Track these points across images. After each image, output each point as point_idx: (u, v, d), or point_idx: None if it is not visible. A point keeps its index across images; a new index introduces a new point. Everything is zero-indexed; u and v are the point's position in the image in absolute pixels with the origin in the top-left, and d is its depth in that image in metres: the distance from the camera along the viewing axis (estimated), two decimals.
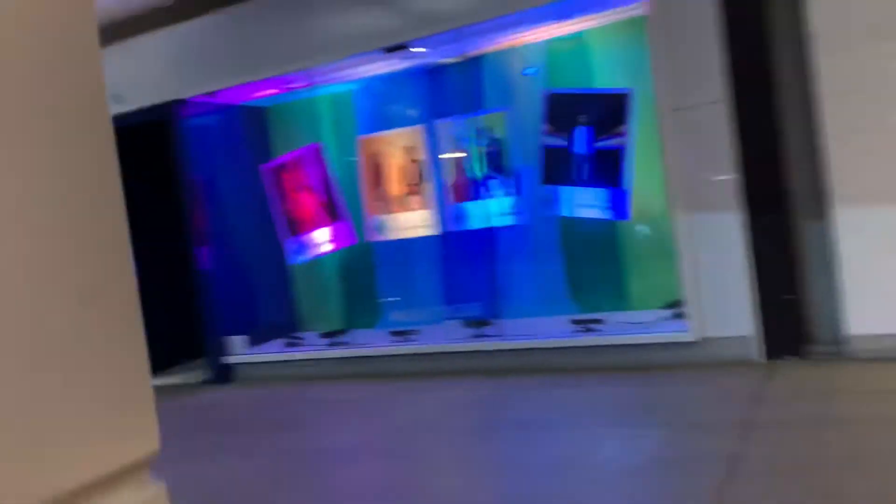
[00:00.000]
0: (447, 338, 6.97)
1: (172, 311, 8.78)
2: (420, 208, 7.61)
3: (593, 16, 6.67)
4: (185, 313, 8.34)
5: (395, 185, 7.70)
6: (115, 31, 8.09)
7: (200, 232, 7.91)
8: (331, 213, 7.83)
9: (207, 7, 7.54)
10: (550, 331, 6.56)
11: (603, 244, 7.07)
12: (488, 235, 7.25)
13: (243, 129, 8.60)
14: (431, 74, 7.75)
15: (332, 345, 7.55)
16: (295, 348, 7.85)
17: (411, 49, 6.98)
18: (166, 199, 8.18)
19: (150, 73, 7.97)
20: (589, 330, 6.36)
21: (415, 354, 6.98)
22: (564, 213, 6.85)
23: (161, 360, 8.98)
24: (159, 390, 7.56)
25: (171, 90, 7.79)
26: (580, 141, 6.66)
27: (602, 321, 6.40)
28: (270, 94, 8.24)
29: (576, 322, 6.48)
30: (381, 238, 7.92)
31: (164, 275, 8.80)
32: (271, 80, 7.58)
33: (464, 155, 7.45)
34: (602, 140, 6.58)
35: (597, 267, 7.12)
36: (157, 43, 7.90)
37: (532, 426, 4.92)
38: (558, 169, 6.73)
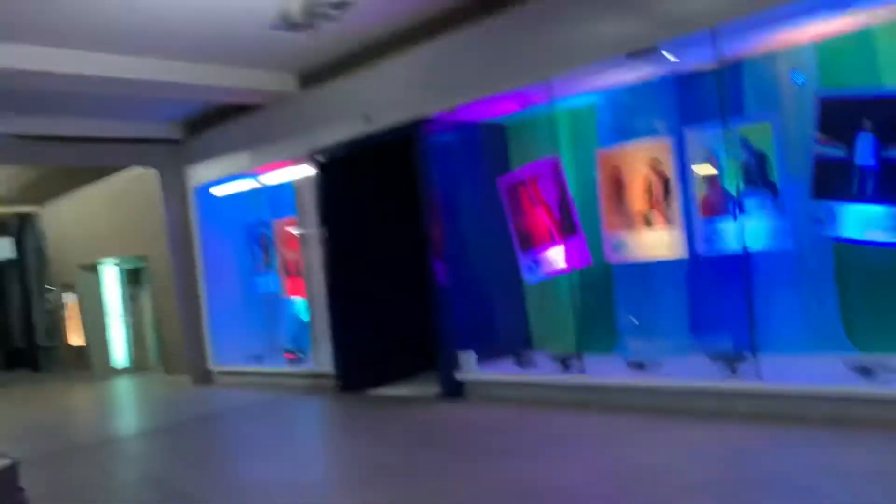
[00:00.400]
0: (692, 373, 6.26)
1: (412, 323, 9.00)
2: (665, 227, 6.98)
3: (880, 8, 5.62)
4: (423, 326, 8.47)
5: (637, 201, 7.15)
6: (365, 56, 8.51)
7: (439, 246, 7.99)
8: (566, 231, 7.48)
9: (450, 26, 7.60)
10: (820, 373, 5.59)
11: (892, 272, 5.91)
12: (745, 259, 6.40)
13: (483, 145, 8.58)
14: (682, 82, 7.09)
15: (564, 369, 7.17)
16: (526, 369, 7.59)
17: (662, 54, 6.42)
18: (411, 214, 8.38)
19: (396, 93, 8.24)
20: (871, 375, 5.30)
21: (654, 388, 6.36)
22: (842, 234, 5.84)
23: (399, 370, 9.26)
24: (394, 400, 7.76)
25: (416, 108, 7.98)
26: (864, 151, 5.64)
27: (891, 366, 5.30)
28: (510, 111, 8.12)
29: (854, 367, 5.44)
30: (621, 258, 7.40)
31: (407, 287, 9.06)
32: (511, 94, 7.44)
33: (717, 169, 6.70)
34: (893, 149, 5.51)
35: (883, 300, 5.97)
36: (403, 64, 8.15)
37: (799, 491, 4.13)
38: (835, 184, 5.75)
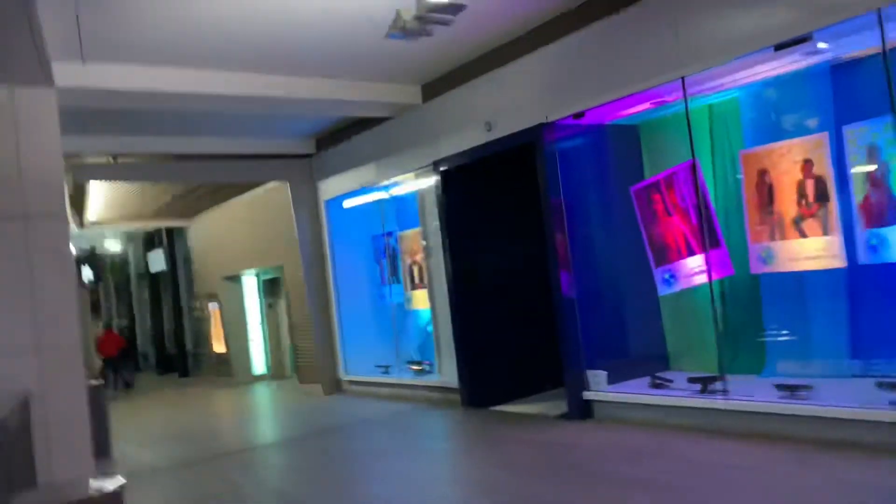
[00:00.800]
0: (853, 400, 5.48)
1: (539, 338, 8.64)
2: (820, 234, 6.23)
3: None
4: (547, 340, 8.10)
5: (787, 205, 6.43)
6: (486, 63, 8.28)
7: (564, 257, 7.59)
8: (705, 239, 6.87)
9: (572, 25, 7.22)
10: None
11: None
12: None
13: (611, 148, 8.11)
14: (838, 71, 6.32)
15: (703, 391, 6.56)
16: (660, 391, 7.02)
17: (815, 43, 5.73)
18: (532, 224, 8.06)
19: (518, 98, 7.94)
20: None
21: (807, 416, 5.64)
22: None
23: (525, 386, 8.91)
24: (517, 418, 7.38)
25: (539, 114, 7.64)
26: None
27: None
28: (641, 110, 7.61)
29: None
30: (768, 269, 6.69)
31: (534, 300, 8.73)
32: (643, 94, 6.94)
33: (879, 167, 5.89)
34: None
35: None
36: (524, 68, 7.84)
37: None
38: None
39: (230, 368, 16.28)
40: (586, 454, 6.29)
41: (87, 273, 24.88)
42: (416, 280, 10.43)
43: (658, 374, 7.27)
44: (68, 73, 7.21)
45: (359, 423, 9.31)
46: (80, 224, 15.64)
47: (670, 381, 7.10)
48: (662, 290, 7.50)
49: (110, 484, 3.08)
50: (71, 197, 12.11)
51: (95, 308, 26.15)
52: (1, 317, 6.72)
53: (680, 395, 6.72)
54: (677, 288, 7.33)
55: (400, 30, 5.70)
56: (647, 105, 7.42)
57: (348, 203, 11.68)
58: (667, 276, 7.42)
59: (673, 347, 7.97)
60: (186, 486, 7.04)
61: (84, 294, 24.05)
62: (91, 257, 23.77)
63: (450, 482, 6.35)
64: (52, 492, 4.37)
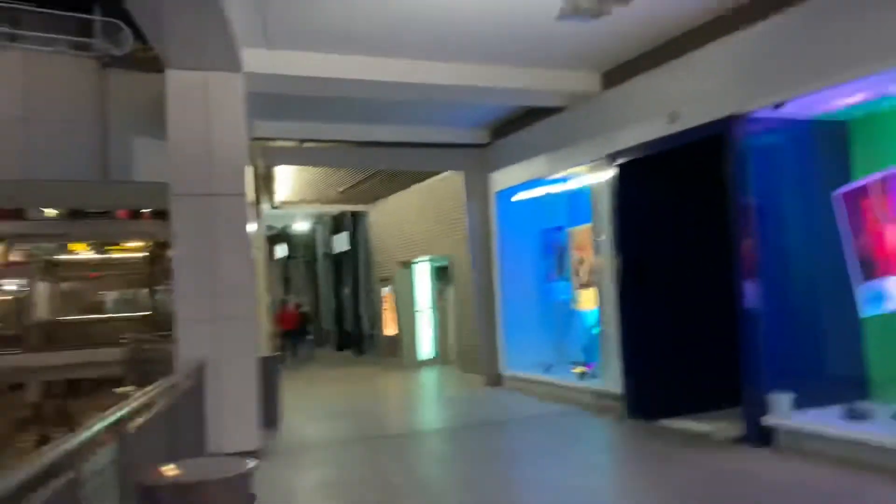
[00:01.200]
0: None
1: (712, 349, 7.91)
2: None
3: None
4: (725, 353, 7.37)
5: None
6: (674, 47, 7.64)
7: (750, 264, 6.84)
8: None
9: (776, 7, 6.43)
10: None
11: None
12: None
13: (813, 146, 7.18)
14: None
15: None
16: (857, 424, 6.11)
17: None
18: (715, 226, 7.35)
19: (708, 87, 7.25)
20: None
21: None
22: None
23: (697, 400, 8.19)
24: (685, 436, 6.73)
25: (730, 104, 6.92)
26: None
27: None
28: (853, 103, 6.64)
29: None
30: None
31: (712, 307, 8.00)
32: (858, 82, 6.02)
33: None
34: None
35: None
36: (717, 53, 7.13)
37: None
38: None
39: (400, 351, 16.69)
40: (765, 489, 5.59)
41: (281, 250, 26.72)
42: (584, 279, 9.98)
43: (856, 405, 6.34)
44: (256, 60, 7.57)
45: (516, 420, 9.07)
46: (272, 204, 16.68)
47: (869, 413, 6.16)
48: (868, 310, 6.54)
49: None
50: (263, 178, 12.89)
51: (286, 283, 28.04)
52: (185, 286, 7.28)
53: (879, 432, 5.80)
54: (887, 308, 6.35)
55: (573, 10, 5.32)
56: (860, 97, 6.46)
57: (518, 196, 11.43)
58: (874, 293, 6.46)
59: (877, 375, 6.94)
60: (337, 467, 7.17)
61: (275, 269, 25.87)
62: (284, 236, 25.44)
63: (607, 501, 5.91)
64: (209, 464, 4.53)
